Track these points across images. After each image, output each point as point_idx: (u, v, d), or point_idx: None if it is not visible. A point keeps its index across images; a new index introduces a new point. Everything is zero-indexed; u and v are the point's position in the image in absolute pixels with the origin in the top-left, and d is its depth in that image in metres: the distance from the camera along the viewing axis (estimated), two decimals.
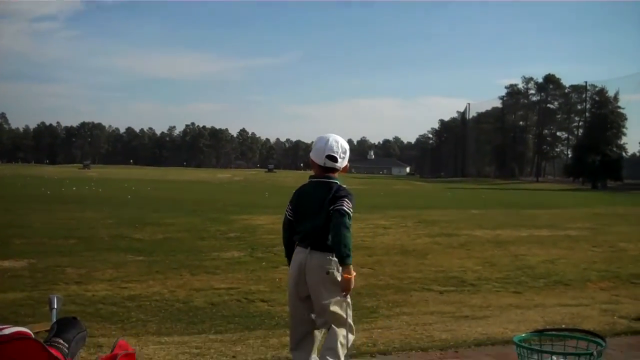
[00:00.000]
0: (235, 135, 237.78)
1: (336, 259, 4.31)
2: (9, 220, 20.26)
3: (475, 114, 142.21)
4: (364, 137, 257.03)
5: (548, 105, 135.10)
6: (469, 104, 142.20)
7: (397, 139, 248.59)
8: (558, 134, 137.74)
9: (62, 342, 3.20)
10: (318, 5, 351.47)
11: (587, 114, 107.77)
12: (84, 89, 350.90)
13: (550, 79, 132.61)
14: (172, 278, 11.50)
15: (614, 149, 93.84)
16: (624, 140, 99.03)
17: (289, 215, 4.63)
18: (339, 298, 4.35)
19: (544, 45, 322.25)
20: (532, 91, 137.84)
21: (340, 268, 4.31)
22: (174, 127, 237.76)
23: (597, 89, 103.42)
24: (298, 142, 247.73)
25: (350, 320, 4.44)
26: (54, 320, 3.51)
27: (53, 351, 2.98)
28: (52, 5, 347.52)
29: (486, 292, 10.61)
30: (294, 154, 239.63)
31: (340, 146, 4.48)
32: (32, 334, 3.02)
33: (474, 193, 58.36)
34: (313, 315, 4.52)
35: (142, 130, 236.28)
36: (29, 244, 15.19)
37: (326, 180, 4.47)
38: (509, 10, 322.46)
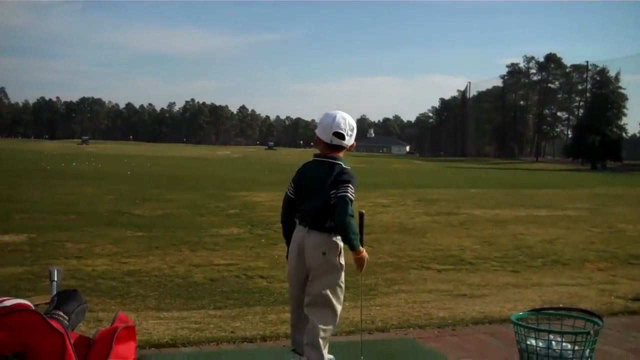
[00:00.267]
0: (235, 112, 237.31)
1: (334, 240, 4.29)
2: (8, 194, 20.27)
3: (475, 93, 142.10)
4: (363, 115, 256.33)
5: (549, 84, 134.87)
6: (469, 82, 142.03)
7: (397, 118, 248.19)
8: (558, 114, 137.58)
9: (62, 314, 3.23)
10: None
11: (587, 94, 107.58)
12: (84, 64, 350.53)
13: (551, 59, 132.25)
14: (172, 254, 11.54)
15: (614, 130, 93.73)
16: (624, 120, 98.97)
17: (290, 192, 4.57)
18: (332, 281, 4.32)
19: (545, 24, 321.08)
20: (533, 70, 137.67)
21: (340, 250, 4.31)
22: (174, 103, 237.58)
23: (598, 68, 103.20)
24: (298, 120, 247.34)
25: (339, 306, 4.41)
26: (54, 292, 3.53)
27: (53, 323, 3.00)
28: None
29: (484, 271, 10.65)
30: (293, 131, 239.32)
31: (348, 123, 4.37)
32: (32, 306, 3.04)
33: (474, 172, 58.36)
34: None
35: (141, 106, 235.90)
36: (29, 219, 15.21)
37: (330, 161, 4.36)
38: None
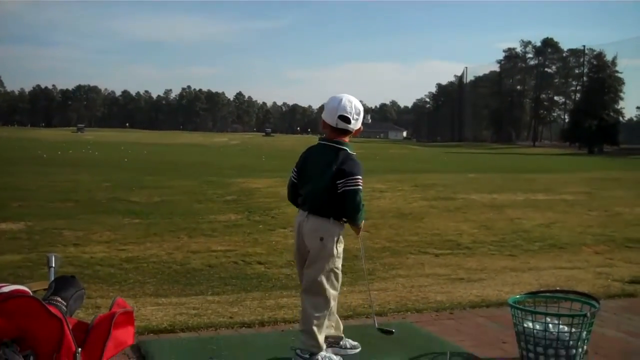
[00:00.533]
0: (231, 99, 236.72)
1: (333, 226, 4.26)
2: (6, 182, 20.23)
3: (472, 78, 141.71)
4: (361, 101, 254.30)
5: (546, 69, 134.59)
6: (466, 67, 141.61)
7: (394, 103, 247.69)
8: (555, 98, 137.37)
9: (60, 300, 3.23)
10: None
11: (584, 78, 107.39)
12: (80, 51, 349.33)
13: (548, 43, 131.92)
14: (170, 240, 11.56)
15: (611, 114, 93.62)
16: (621, 104, 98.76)
17: (293, 177, 4.54)
18: (328, 268, 4.28)
19: (542, 8, 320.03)
20: (530, 55, 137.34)
21: (338, 237, 4.28)
22: (170, 90, 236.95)
23: (595, 53, 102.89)
24: (295, 106, 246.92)
25: (333, 292, 4.35)
26: (52, 278, 3.54)
27: (51, 309, 3.00)
28: None
29: (481, 255, 10.68)
30: (290, 117, 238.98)
31: (354, 106, 4.32)
32: (30, 292, 3.05)
33: (471, 157, 58.39)
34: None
35: (138, 93, 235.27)
36: (27, 207, 15.20)
37: (335, 146, 4.31)
38: None
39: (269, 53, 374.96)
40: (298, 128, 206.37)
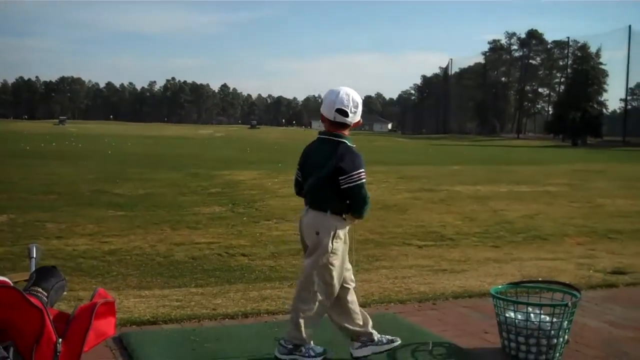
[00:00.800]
0: (216, 91, 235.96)
1: (330, 221, 4.21)
2: None
3: (457, 70, 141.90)
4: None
5: (530, 61, 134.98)
6: (451, 59, 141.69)
7: (379, 95, 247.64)
8: (540, 90, 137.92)
9: (41, 290, 3.22)
10: None
11: (568, 70, 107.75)
12: (63, 42, 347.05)
13: (533, 35, 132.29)
14: (153, 233, 11.53)
15: (595, 106, 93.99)
16: (604, 96, 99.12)
17: (298, 176, 4.51)
18: (321, 263, 4.23)
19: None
20: (515, 47, 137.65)
21: (334, 233, 4.21)
22: (155, 82, 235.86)
23: (579, 44, 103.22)
24: (280, 98, 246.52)
25: (325, 287, 4.26)
26: (33, 269, 3.52)
27: (32, 299, 3.00)
28: None
29: (465, 246, 10.72)
30: (275, 109, 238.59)
31: (352, 99, 4.26)
32: (10, 283, 3.03)
33: (455, 149, 58.55)
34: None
35: (122, 85, 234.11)
36: (9, 199, 15.10)
37: (334, 139, 4.27)
38: None
39: (254, 44, 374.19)
40: (283, 120, 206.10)
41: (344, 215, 4.28)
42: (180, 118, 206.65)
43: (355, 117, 4.29)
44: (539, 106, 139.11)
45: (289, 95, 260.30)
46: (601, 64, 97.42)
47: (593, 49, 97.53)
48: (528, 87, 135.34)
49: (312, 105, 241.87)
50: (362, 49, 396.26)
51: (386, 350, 4.42)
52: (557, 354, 4.53)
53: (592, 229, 12.35)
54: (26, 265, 3.84)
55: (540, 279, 5.96)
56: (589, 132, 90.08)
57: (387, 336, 4.42)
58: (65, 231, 11.48)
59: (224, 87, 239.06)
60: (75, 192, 16.91)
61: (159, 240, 10.86)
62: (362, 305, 5.89)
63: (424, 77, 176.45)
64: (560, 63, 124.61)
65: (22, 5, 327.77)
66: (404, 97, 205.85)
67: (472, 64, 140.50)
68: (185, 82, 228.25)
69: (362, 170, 4.20)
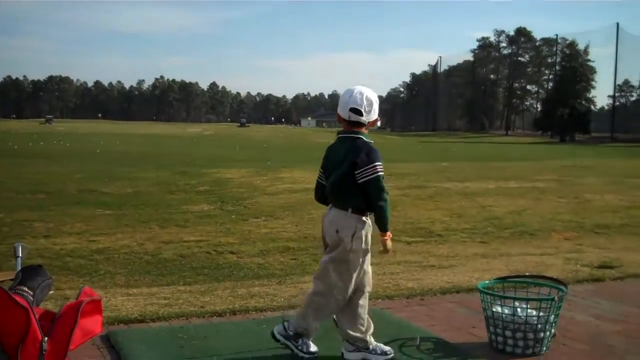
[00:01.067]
0: (205, 89, 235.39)
1: (350, 219, 4.17)
2: None
3: (446, 67, 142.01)
4: (335, 90, 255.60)
5: (519, 58, 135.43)
6: (440, 57, 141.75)
7: None
8: (528, 87, 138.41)
9: (26, 289, 3.22)
10: None
11: (557, 67, 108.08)
12: (51, 42, 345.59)
13: (521, 32, 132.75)
14: (141, 231, 11.50)
15: (583, 103, 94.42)
16: (592, 93, 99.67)
17: (320, 178, 4.49)
18: (339, 257, 4.20)
19: None
20: (504, 44, 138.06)
21: (354, 232, 4.16)
22: (143, 80, 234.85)
23: (567, 42, 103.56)
24: (269, 96, 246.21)
25: (339, 283, 4.22)
26: (19, 268, 3.52)
27: (17, 298, 2.99)
28: None
29: (453, 242, 10.75)
30: (264, 108, 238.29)
31: (366, 98, 4.24)
32: None
33: (444, 146, 58.65)
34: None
35: (110, 84, 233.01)
36: None
37: (351, 136, 4.28)
38: None
39: (243, 43, 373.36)
40: (272, 118, 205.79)
41: (366, 216, 4.24)
42: (169, 116, 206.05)
43: (370, 115, 4.28)
44: (528, 103, 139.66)
45: (278, 93, 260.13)
46: (589, 61, 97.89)
47: (581, 46, 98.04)
48: (517, 84, 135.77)
49: (301, 103, 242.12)
50: (351, 47, 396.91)
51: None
52: (544, 348, 4.55)
53: (579, 224, 12.40)
54: (12, 264, 3.84)
55: (527, 274, 5.98)
56: (577, 129, 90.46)
57: (382, 346, 4.35)
58: (52, 230, 11.43)
59: (213, 85, 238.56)
60: (63, 191, 16.84)
61: (147, 238, 10.83)
62: None
63: (413, 75, 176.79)
64: (549, 60, 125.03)
65: (10, 4, 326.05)
66: (393, 95, 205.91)
67: (461, 61, 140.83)
68: (173, 80, 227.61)
69: (378, 163, 4.16)
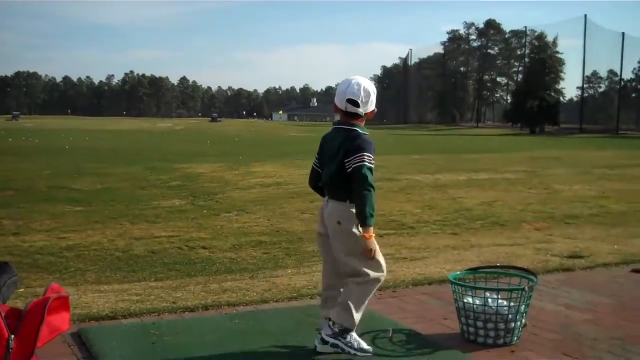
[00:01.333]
0: (175, 84, 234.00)
1: (351, 210, 4.13)
2: None
3: (417, 60, 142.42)
4: (306, 84, 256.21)
5: (488, 50, 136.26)
6: (410, 49, 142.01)
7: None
8: (498, 79, 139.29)
9: None
10: None
11: (526, 59, 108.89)
12: (19, 36, 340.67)
13: (491, 24, 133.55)
14: (112, 227, 11.41)
15: (552, 94, 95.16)
16: (561, 85, 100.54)
17: (315, 165, 4.48)
18: (353, 247, 4.17)
19: None
20: (473, 36, 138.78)
21: (357, 222, 4.12)
22: (113, 75, 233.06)
23: (536, 34, 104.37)
24: (240, 91, 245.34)
25: (368, 270, 4.19)
26: None
27: None
28: None
29: (425, 234, 10.80)
30: (236, 102, 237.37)
31: (363, 89, 4.20)
32: None
33: (415, 139, 58.91)
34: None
35: (79, 79, 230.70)
36: None
37: (346, 127, 4.24)
38: None
39: (213, 37, 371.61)
40: (244, 112, 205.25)
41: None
42: (139, 112, 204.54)
43: (367, 106, 4.24)
44: (498, 95, 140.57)
45: (249, 88, 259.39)
46: (558, 52, 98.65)
47: (550, 38, 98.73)
48: (487, 77, 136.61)
49: (272, 97, 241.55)
50: (321, 40, 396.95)
51: (350, 353, 4.29)
52: (515, 338, 4.59)
53: (549, 215, 12.51)
54: None
55: (498, 265, 6.02)
56: (546, 120, 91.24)
57: (362, 343, 4.30)
58: (22, 227, 11.30)
59: (183, 79, 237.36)
60: (32, 187, 16.65)
61: (118, 234, 10.75)
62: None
63: (384, 68, 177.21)
64: (518, 52, 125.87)
65: None
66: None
67: (431, 54, 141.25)
68: (143, 75, 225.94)
69: (367, 153, 4.09)
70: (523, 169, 21.07)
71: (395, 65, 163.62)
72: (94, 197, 15.06)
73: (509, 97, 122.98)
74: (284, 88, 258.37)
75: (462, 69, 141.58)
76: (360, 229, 4.13)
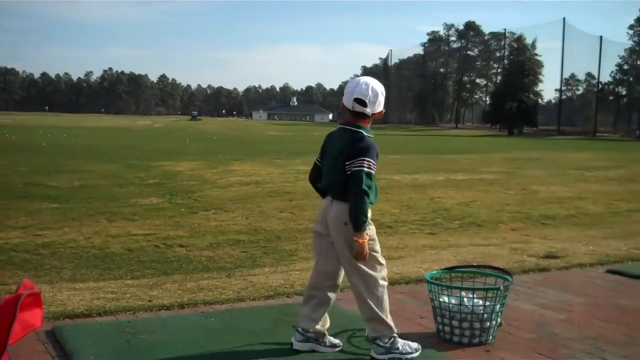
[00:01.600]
0: (155, 81, 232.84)
1: None
2: None
3: (397, 61, 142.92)
4: (286, 83, 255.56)
5: (468, 52, 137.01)
6: (390, 50, 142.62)
7: (319, 86, 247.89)
8: (477, 80, 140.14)
9: None
10: None
11: (505, 61, 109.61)
12: None
13: (470, 26, 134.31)
14: (89, 225, 11.32)
15: (531, 96, 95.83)
16: (540, 87, 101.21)
17: (317, 160, 4.44)
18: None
19: None
20: (453, 38, 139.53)
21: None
22: (91, 72, 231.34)
23: (515, 36, 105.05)
24: (220, 89, 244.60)
25: (376, 273, 4.24)
26: None
27: None
28: None
29: (403, 233, 10.83)
30: (215, 100, 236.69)
31: (371, 89, 4.17)
32: None
33: (395, 139, 58.94)
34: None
35: (57, 75, 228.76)
36: None
37: (351, 129, 4.19)
38: None
39: (193, 34, 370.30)
40: (223, 111, 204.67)
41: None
42: (118, 109, 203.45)
43: (374, 106, 4.20)
44: (477, 96, 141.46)
45: (229, 86, 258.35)
46: (536, 55, 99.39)
47: (529, 41, 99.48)
48: (466, 78, 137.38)
49: (252, 96, 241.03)
50: (301, 40, 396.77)
51: (324, 352, 4.35)
52: (490, 337, 4.61)
53: (526, 215, 12.61)
54: None
55: (474, 264, 6.06)
56: (525, 122, 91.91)
57: (410, 344, 4.32)
58: None
59: (163, 77, 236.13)
60: (8, 184, 16.47)
61: (94, 232, 10.66)
62: (300, 293, 5.92)
63: (364, 68, 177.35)
64: (497, 54, 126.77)
65: None
66: (344, 88, 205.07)
67: (411, 55, 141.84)
68: (122, 72, 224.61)
69: (368, 158, 4.06)
70: (501, 170, 21.22)
71: (376, 66, 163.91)
72: (71, 195, 14.93)
73: (488, 99, 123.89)
74: (264, 87, 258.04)
75: (441, 70, 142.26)
76: (371, 226, 4.18)
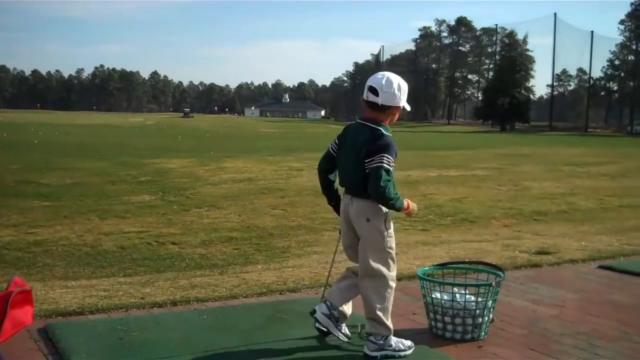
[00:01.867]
0: (146, 78, 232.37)
1: (378, 206, 4.11)
2: None
3: (389, 57, 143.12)
4: (278, 80, 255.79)
5: (460, 48, 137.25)
6: (382, 46, 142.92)
7: (312, 82, 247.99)
8: (469, 76, 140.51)
9: None
10: None
11: (497, 57, 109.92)
12: None
13: (462, 22, 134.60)
14: (80, 223, 11.27)
15: (522, 92, 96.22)
16: (531, 82, 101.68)
17: (332, 149, 4.38)
18: (380, 249, 4.17)
19: None
20: (445, 34, 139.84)
21: (385, 216, 4.16)
22: (82, 69, 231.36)
23: (507, 32, 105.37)
24: (212, 85, 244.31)
25: (390, 273, 4.23)
26: None
27: None
28: None
29: (395, 230, 10.71)
30: (208, 97, 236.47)
31: (386, 79, 4.10)
32: None
33: None
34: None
35: (49, 72, 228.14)
36: None
37: (370, 125, 4.14)
38: None
39: (185, 31, 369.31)
40: (216, 108, 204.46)
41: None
42: (110, 106, 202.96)
43: (388, 98, 4.11)
44: (469, 92, 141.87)
45: (221, 83, 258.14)
46: (528, 50, 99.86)
47: (520, 36, 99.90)
48: (458, 74, 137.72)
49: (244, 93, 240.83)
50: (294, 36, 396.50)
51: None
52: (483, 333, 4.63)
53: (518, 211, 12.63)
54: None
55: (466, 260, 6.08)
56: (517, 118, 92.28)
57: (403, 341, 4.33)
58: None
59: (155, 74, 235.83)
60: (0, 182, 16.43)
61: (87, 230, 10.63)
62: (292, 290, 5.94)
63: (356, 64, 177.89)
64: (489, 50, 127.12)
65: None
66: (336, 84, 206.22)
67: (403, 50, 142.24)
68: (114, 69, 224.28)
69: (386, 155, 4.02)
70: (493, 166, 21.26)
71: (368, 62, 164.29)
72: (63, 192, 14.88)
73: (480, 95, 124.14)
74: (256, 83, 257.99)
75: (433, 65, 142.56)
76: (388, 223, 4.21)
